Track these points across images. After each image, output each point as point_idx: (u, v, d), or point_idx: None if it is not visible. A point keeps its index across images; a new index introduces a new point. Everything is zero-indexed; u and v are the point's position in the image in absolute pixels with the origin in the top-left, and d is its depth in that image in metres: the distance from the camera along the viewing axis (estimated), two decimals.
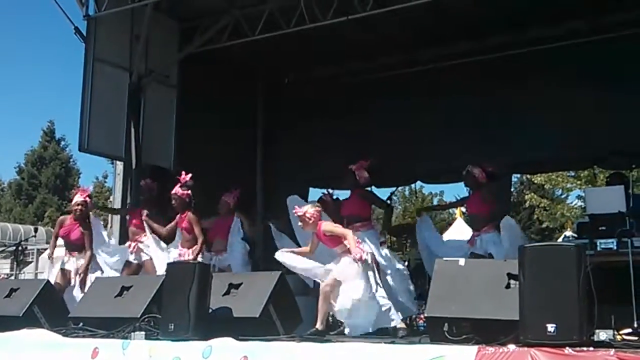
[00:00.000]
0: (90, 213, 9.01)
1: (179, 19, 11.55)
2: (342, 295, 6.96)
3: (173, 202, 8.81)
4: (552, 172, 19.45)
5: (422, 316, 8.87)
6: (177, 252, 8.69)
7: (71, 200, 9.30)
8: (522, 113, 11.08)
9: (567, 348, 4.64)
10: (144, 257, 9.07)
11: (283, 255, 7.40)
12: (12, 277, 11.98)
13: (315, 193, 13.44)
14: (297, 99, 13.25)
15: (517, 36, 11.37)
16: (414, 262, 9.67)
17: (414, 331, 8.08)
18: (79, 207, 8.96)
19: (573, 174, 21.54)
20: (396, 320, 7.24)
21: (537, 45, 11.13)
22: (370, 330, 7.07)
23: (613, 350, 4.60)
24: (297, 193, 12.88)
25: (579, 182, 21.48)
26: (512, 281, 5.48)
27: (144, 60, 11.07)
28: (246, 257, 9.06)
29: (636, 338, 5.61)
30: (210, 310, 6.35)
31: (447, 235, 14.61)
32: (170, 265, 6.86)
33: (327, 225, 7.32)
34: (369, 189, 9.47)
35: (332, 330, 7.19)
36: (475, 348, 4.86)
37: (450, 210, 31.76)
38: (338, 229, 7.32)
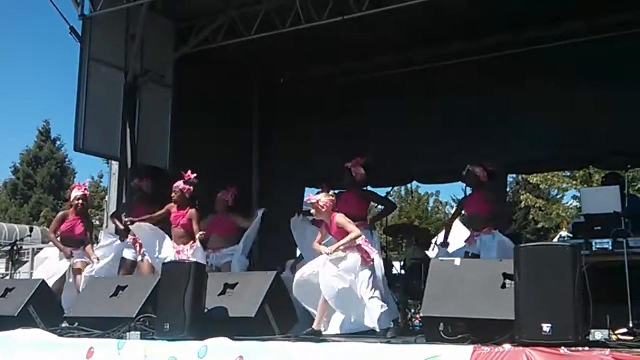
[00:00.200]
0: None
1: (174, 18, 11.54)
2: (344, 290, 6.99)
3: (173, 194, 8.78)
4: (547, 172, 19.47)
5: (417, 316, 8.88)
6: (173, 251, 8.63)
7: (68, 198, 9.29)
8: (517, 113, 11.09)
9: (563, 348, 4.64)
10: (140, 257, 9.04)
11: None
12: (7, 277, 11.93)
13: (311, 192, 13.44)
14: (292, 99, 13.24)
15: (512, 36, 11.37)
16: (410, 262, 9.68)
17: (409, 331, 8.08)
18: (79, 201, 9.02)
19: (568, 173, 21.55)
20: (389, 322, 7.25)
21: (533, 45, 11.13)
22: (372, 326, 7.08)
23: (608, 350, 4.61)
24: (292, 193, 12.99)
25: (574, 182, 21.50)
26: (507, 281, 5.49)
27: (140, 60, 11.05)
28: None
29: (631, 338, 5.61)
30: (206, 310, 6.35)
31: (443, 235, 14.62)
32: (165, 265, 6.85)
33: (341, 218, 7.32)
34: (365, 188, 9.44)
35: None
36: (470, 348, 4.86)
37: (446, 210, 32.01)
38: (350, 225, 7.30)
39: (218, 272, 8.35)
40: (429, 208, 32.23)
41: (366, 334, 7.00)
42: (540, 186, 23.91)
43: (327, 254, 7.09)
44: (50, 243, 9.73)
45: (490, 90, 11.40)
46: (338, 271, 7.02)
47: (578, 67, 10.75)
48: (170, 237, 8.73)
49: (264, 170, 13.49)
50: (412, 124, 12.05)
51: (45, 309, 7.55)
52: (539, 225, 25.84)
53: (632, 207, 7.57)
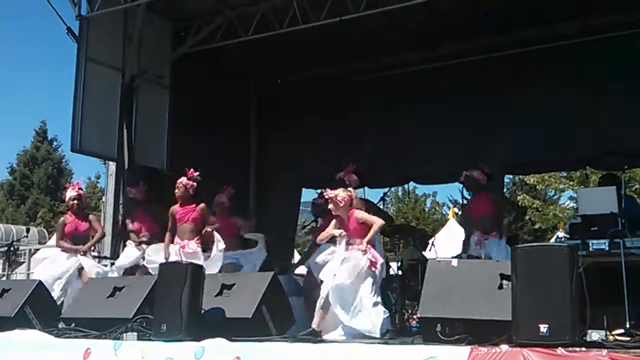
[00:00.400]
0: None
1: (171, 19, 11.55)
2: (349, 293, 7.01)
3: (176, 190, 8.73)
4: (544, 172, 19.48)
5: (415, 317, 8.87)
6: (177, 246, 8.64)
7: (64, 200, 9.29)
8: (514, 114, 11.11)
9: (560, 348, 4.64)
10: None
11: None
12: (4, 278, 11.91)
13: (307, 193, 13.50)
14: (290, 100, 13.25)
15: (508, 37, 11.39)
16: (407, 263, 9.67)
17: (407, 332, 8.08)
18: (74, 201, 9.03)
19: (565, 174, 21.57)
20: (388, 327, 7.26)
21: (529, 46, 11.15)
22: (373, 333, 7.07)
23: (605, 350, 4.61)
24: (289, 193, 13.01)
25: (571, 183, 21.51)
26: (504, 282, 5.49)
27: (137, 61, 11.05)
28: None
29: (628, 338, 5.61)
30: (203, 311, 6.34)
31: (440, 236, 14.63)
32: (162, 266, 6.84)
33: (361, 213, 7.38)
34: (361, 190, 9.44)
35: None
36: (467, 348, 4.86)
37: (443, 211, 32.01)
38: (372, 216, 7.39)
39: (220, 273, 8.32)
40: (426, 209, 32.24)
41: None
42: (537, 187, 23.93)
43: (339, 235, 7.16)
44: (47, 244, 9.74)
45: (486, 91, 11.41)
46: (348, 267, 7.06)
47: (575, 67, 10.77)
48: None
49: (261, 171, 13.49)
50: (408, 125, 12.07)
51: (42, 309, 7.54)
52: (536, 226, 25.85)
53: (629, 208, 7.57)
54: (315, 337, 6.50)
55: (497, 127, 11.29)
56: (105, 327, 6.54)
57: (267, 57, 12.15)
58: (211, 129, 11.98)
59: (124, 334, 6.29)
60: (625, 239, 6.74)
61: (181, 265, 6.66)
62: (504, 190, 15.63)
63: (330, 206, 7.50)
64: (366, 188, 13.37)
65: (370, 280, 7.15)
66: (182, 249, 8.47)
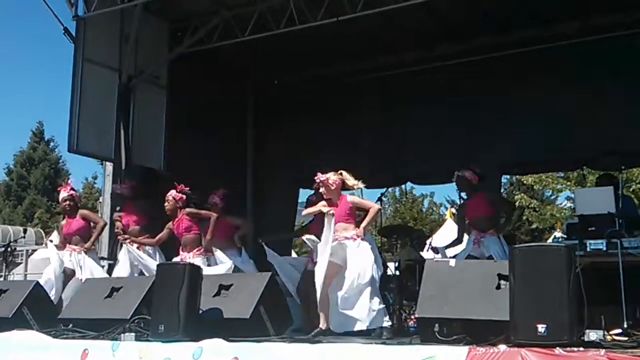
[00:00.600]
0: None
1: (168, 19, 11.53)
2: (348, 279, 7.00)
3: (166, 204, 8.76)
4: (542, 173, 19.48)
5: (412, 317, 8.88)
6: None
7: (58, 202, 9.31)
8: (512, 114, 11.12)
9: (558, 348, 4.65)
10: None
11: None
12: (1, 279, 11.90)
13: (305, 193, 13.47)
14: (287, 100, 13.25)
15: (507, 37, 11.39)
16: (404, 263, 9.67)
17: (404, 332, 8.08)
18: (66, 202, 9.08)
19: (563, 174, 21.58)
20: (385, 321, 7.25)
21: (528, 46, 11.15)
22: (365, 327, 7.06)
23: (603, 350, 4.61)
24: (287, 193, 13.00)
25: (568, 184, 21.52)
26: (502, 282, 5.49)
27: (134, 61, 11.04)
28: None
29: (626, 338, 5.62)
30: (201, 311, 6.34)
31: (437, 236, 14.64)
32: (160, 266, 6.84)
33: (355, 197, 7.43)
34: (359, 190, 9.41)
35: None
36: (466, 348, 4.86)
37: (441, 211, 32.00)
38: (367, 201, 7.46)
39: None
40: (424, 209, 32.23)
41: (362, 334, 7.02)
42: (534, 187, 23.93)
43: (327, 212, 7.14)
44: (44, 244, 9.75)
45: (484, 91, 11.41)
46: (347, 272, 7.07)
47: (574, 68, 10.78)
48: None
49: (258, 171, 13.49)
50: (406, 125, 12.08)
51: (39, 310, 7.54)
52: (533, 226, 25.85)
53: (626, 208, 7.57)
54: (326, 336, 6.53)
55: (495, 127, 11.30)
56: (103, 328, 6.55)
57: (264, 57, 12.14)
58: (208, 129, 11.97)
59: (122, 335, 6.29)
60: (623, 239, 6.74)
61: (179, 265, 6.65)
62: (501, 190, 15.63)
63: (322, 190, 7.51)
64: (363, 188, 13.40)
65: (368, 262, 7.14)
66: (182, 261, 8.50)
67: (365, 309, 7.03)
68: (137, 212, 9.25)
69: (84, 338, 6.55)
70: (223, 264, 8.39)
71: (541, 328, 4.86)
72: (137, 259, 8.77)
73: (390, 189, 25.04)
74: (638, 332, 5.86)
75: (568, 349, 4.66)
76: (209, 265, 8.43)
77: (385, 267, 9.83)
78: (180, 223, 8.66)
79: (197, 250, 8.52)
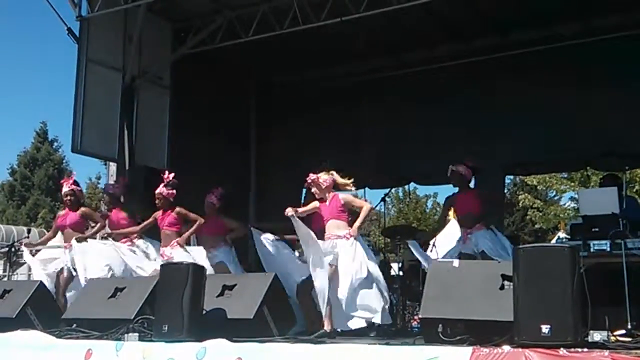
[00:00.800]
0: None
1: (172, 20, 11.55)
2: (345, 278, 7.04)
3: (157, 201, 8.78)
4: (545, 173, 19.47)
5: (416, 317, 8.87)
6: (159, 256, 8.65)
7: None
8: (515, 114, 11.12)
9: (562, 349, 4.64)
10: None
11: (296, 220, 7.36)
12: (5, 279, 11.90)
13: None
14: (290, 99, 13.28)
15: (509, 38, 11.41)
16: (408, 264, 9.67)
17: (408, 332, 8.08)
18: (68, 197, 9.15)
19: (566, 175, 21.56)
20: (386, 318, 7.30)
21: (531, 47, 11.16)
22: (365, 324, 7.13)
23: (607, 351, 4.61)
24: (290, 192, 13.00)
25: (572, 184, 21.50)
26: (506, 282, 5.49)
27: (137, 61, 11.06)
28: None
29: (630, 339, 5.61)
30: (204, 312, 6.34)
31: (441, 237, 14.61)
32: (164, 267, 6.84)
33: (347, 195, 7.46)
34: (361, 191, 9.44)
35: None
36: (469, 349, 4.85)
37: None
38: (358, 200, 7.53)
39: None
40: (427, 209, 32.20)
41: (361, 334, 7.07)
42: (538, 188, 23.91)
43: (288, 214, 7.17)
44: (49, 244, 9.78)
45: (487, 91, 11.44)
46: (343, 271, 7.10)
47: (575, 68, 10.79)
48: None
49: (261, 170, 13.51)
50: (408, 126, 12.09)
51: (43, 310, 7.54)
52: (537, 227, 25.84)
53: (630, 209, 7.56)
54: (332, 337, 6.54)
55: (497, 128, 11.30)
56: (106, 328, 6.54)
57: (267, 57, 12.16)
58: (211, 129, 12.01)
59: (126, 335, 6.29)
60: (627, 239, 6.72)
61: (182, 265, 6.65)
62: (505, 190, 15.62)
63: (313, 189, 7.56)
64: (367, 189, 13.42)
65: (364, 259, 7.21)
66: (162, 257, 8.53)
67: (364, 306, 7.10)
68: (124, 215, 9.26)
69: (88, 338, 6.55)
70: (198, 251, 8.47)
71: (545, 329, 4.86)
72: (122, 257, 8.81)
73: (393, 190, 25.13)
74: None
75: (572, 349, 4.65)
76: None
77: (389, 267, 9.86)
78: (166, 217, 8.70)
79: (174, 243, 8.53)
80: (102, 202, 9.98)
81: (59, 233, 9.43)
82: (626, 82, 10.32)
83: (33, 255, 9.35)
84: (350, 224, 7.41)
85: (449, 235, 8.76)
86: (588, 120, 10.63)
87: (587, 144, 10.77)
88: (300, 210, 7.78)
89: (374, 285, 7.26)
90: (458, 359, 4.83)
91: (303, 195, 13.21)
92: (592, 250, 6.89)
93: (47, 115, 58.61)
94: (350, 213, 7.52)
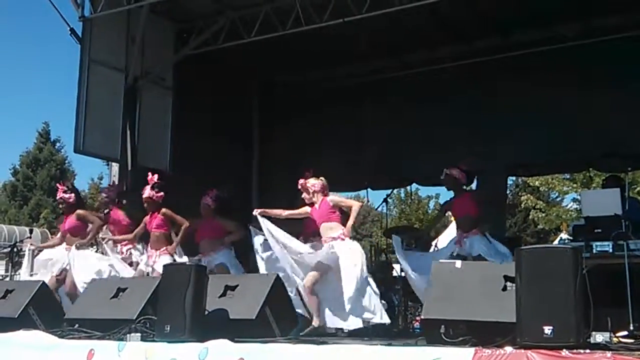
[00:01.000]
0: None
1: (174, 20, 11.56)
2: (348, 280, 7.11)
3: (145, 205, 8.83)
4: (548, 174, 19.47)
5: (417, 318, 8.87)
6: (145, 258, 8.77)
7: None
8: (517, 115, 11.13)
9: (564, 350, 4.63)
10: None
11: (266, 222, 7.55)
12: (7, 279, 11.92)
13: None
14: (292, 99, 13.30)
15: (511, 39, 11.41)
16: None
17: (410, 333, 8.08)
18: (60, 205, 9.44)
19: (569, 176, 21.56)
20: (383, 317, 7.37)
21: (533, 48, 11.17)
22: (361, 325, 7.21)
23: (610, 352, 4.60)
24: (292, 193, 12.99)
25: (574, 185, 21.50)
26: (508, 283, 5.48)
27: (140, 62, 11.08)
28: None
29: (632, 340, 5.60)
30: (207, 312, 6.33)
31: (443, 238, 14.60)
32: (166, 267, 6.84)
33: (335, 197, 7.61)
34: (363, 191, 9.46)
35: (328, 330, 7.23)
36: (472, 350, 4.85)
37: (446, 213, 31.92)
38: (347, 200, 7.70)
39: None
40: (429, 210, 32.19)
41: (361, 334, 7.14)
42: (541, 189, 23.92)
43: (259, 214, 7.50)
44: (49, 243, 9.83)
45: (489, 92, 11.45)
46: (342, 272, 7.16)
47: (578, 69, 10.80)
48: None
49: (263, 171, 13.52)
50: (410, 126, 12.10)
51: (45, 310, 7.55)
52: (539, 228, 25.84)
53: (632, 210, 7.55)
54: (321, 334, 6.58)
55: (499, 129, 11.31)
56: (108, 328, 6.54)
57: (269, 57, 12.17)
58: (214, 129, 12.02)
59: (128, 335, 6.28)
60: (629, 241, 6.73)
61: (185, 266, 6.65)
62: (507, 191, 15.62)
63: (303, 194, 7.66)
64: (369, 190, 13.43)
65: (358, 258, 7.29)
66: (149, 258, 8.66)
67: (367, 307, 7.17)
68: (123, 215, 9.30)
69: (90, 338, 6.54)
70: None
71: (547, 330, 4.85)
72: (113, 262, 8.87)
73: (395, 191, 25.11)
74: None
75: (574, 350, 4.64)
76: None
77: (391, 268, 9.87)
78: (154, 219, 8.77)
79: (164, 250, 8.61)
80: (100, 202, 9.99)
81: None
82: (628, 82, 10.32)
83: (35, 256, 9.38)
84: (343, 224, 7.46)
85: (451, 236, 8.77)
86: (590, 121, 10.64)
87: (588, 145, 10.78)
88: (285, 213, 7.85)
89: (369, 285, 7.31)
90: None
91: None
92: (594, 251, 6.89)
93: (49, 116, 58.72)
94: (341, 213, 7.54)
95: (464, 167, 8.32)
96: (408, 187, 24.25)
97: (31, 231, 14.72)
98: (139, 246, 9.08)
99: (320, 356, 5.39)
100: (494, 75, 11.52)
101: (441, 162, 11.38)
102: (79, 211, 9.23)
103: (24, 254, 9.99)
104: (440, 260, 6.94)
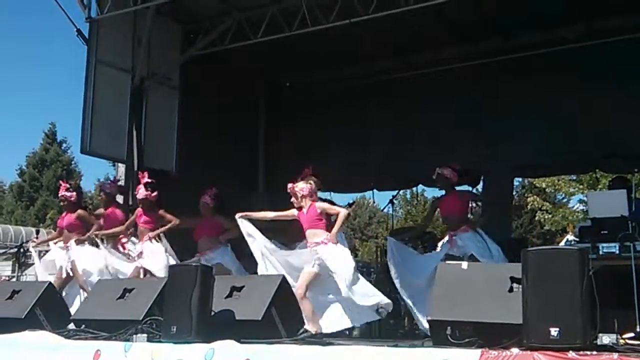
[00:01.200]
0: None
1: (181, 21, 11.58)
2: (339, 277, 7.21)
3: (141, 205, 8.91)
4: (554, 175, 19.45)
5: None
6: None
7: None
8: (522, 116, 11.13)
9: (570, 352, 4.63)
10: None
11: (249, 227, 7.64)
12: (14, 279, 11.96)
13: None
14: (298, 100, 13.31)
15: (518, 40, 11.40)
16: None
17: (416, 335, 8.08)
18: (61, 202, 9.50)
19: (575, 178, 21.54)
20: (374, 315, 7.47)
21: (539, 49, 11.16)
22: (351, 325, 7.42)
23: (616, 354, 4.60)
24: None
25: (580, 187, 21.47)
26: (515, 285, 5.47)
27: (146, 63, 11.09)
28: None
29: (639, 342, 5.59)
30: (213, 313, 6.34)
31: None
32: (172, 268, 6.85)
33: (323, 203, 7.62)
34: (369, 192, 9.47)
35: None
36: (478, 351, 4.84)
37: None
38: (334, 207, 7.67)
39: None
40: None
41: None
42: (547, 190, 23.89)
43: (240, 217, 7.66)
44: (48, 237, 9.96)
45: (495, 94, 11.44)
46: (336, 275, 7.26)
47: (580, 71, 10.79)
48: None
49: (269, 172, 13.52)
50: (416, 127, 12.10)
51: (52, 311, 7.56)
52: (545, 229, 25.80)
53: (639, 212, 7.54)
54: (318, 339, 6.59)
55: (504, 130, 11.30)
56: (115, 329, 6.54)
57: (276, 58, 12.18)
58: (220, 129, 12.04)
59: (134, 336, 6.29)
60: (636, 242, 6.72)
61: (191, 266, 6.65)
62: (513, 192, 15.60)
63: (293, 199, 7.67)
64: (374, 191, 13.43)
65: (349, 259, 7.37)
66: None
67: (368, 292, 7.24)
68: (121, 214, 9.35)
69: (96, 339, 6.55)
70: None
71: (554, 331, 4.84)
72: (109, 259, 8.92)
73: (401, 192, 25.13)
74: None
75: (581, 352, 4.63)
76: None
77: None
78: (144, 215, 8.90)
79: (147, 236, 8.77)
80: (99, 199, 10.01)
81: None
82: (630, 84, 10.31)
83: (40, 257, 9.43)
84: (329, 230, 7.49)
85: None
86: (596, 121, 10.63)
87: (591, 146, 10.77)
88: (271, 215, 7.87)
89: (358, 286, 7.36)
90: None
91: None
92: (601, 252, 6.88)
93: (56, 117, 59.03)
94: (328, 220, 7.56)
95: (456, 167, 8.34)
96: (414, 188, 24.28)
97: (38, 232, 14.78)
98: (133, 238, 9.17)
99: (326, 357, 5.40)
100: (498, 77, 11.52)
101: (448, 163, 11.48)
102: (80, 211, 9.28)
103: (30, 255, 10.03)
104: (447, 262, 6.93)
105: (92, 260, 8.82)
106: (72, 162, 40.81)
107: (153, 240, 8.75)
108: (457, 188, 8.46)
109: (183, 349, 5.84)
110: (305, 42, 10.96)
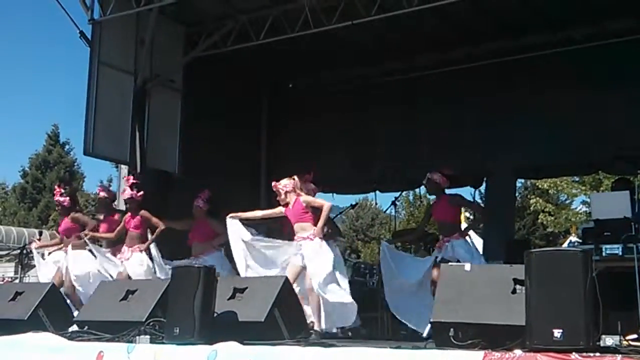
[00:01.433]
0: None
1: (184, 23, 11.57)
2: (314, 277, 7.29)
3: (128, 205, 8.97)
4: (557, 177, 19.44)
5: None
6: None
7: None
8: (526, 117, 11.10)
9: (574, 353, 4.63)
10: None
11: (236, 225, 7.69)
12: (17, 281, 11.97)
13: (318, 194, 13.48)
14: (301, 101, 13.31)
15: (521, 41, 11.39)
16: None
17: (419, 336, 8.07)
18: (57, 208, 9.76)
19: (578, 179, 21.52)
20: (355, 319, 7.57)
21: (542, 50, 11.15)
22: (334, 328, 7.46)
23: (619, 355, 4.60)
24: None
25: (583, 188, 21.46)
26: (518, 286, 5.47)
27: (149, 64, 11.08)
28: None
29: None
30: (216, 315, 6.34)
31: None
32: (175, 269, 6.85)
33: (307, 197, 7.71)
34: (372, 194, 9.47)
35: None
36: (481, 353, 4.85)
37: None
38: (318, 200, 7.79)
39: None
40: None
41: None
42: (550, 191, 23.87)
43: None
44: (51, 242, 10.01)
45: (496, 95, 11.42)
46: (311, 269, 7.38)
47: (587, 71, 10.76)
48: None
49: (271, 173, 13.49)
50: (418, 129, 12.11)
51: (55, 312, 7.58)
52: (548, 230, 25.78)
53: None
54: (320, 338, 6.63)
55: (508, 131, 11.28)
56: (118, 330, 6.55)
57: (278, 59, 12.17)
58: (223, 130, 12.03)
59: (137, 337, 6.30)
60: (639, 244, 6.70)
61: (194, 268, 6.66)
62: (516, 194, 15.61)
63: (278, 197, 7.80)
64: (377, 192, 13.42)
65: (329, 253, 7.47)
66: (122, 254, 8.93)
67: (331, 308, 7.31)
68: (119, 215, 9.40)
69: (99, 340, 6.56)
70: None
71: (557, 333, 4.84)
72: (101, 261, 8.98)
73: (404, 193, 25.09)
74: None
75: (584, 354, 4.64)
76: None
77: None
78: (132, 219, 8.99)
79: (136, 247, 8.86)
80: (114, 204, 10.00)
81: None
82: (636, 85, 10.28)
83: (43, 258, 9.46)
84: (316, 223, 7.55)
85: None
86: (595, 123, 10.61)
87: (594, 147, 10.74)
88: (260, 213, 7.90)
89: (339, 286, 7.45)
90: None
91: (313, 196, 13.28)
92: (604, 254, 6.88)
93: (58, 118, 59.01)
94: (314, 213, 7.63)
95: (446, 172, 8.36)
96: (416, 190, 24.22)
97: (40, 233, 14.77)
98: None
99: (328, 359, 5.40)
100: (502, 78, 11.50)
101: (450, 165, 11.46)
102: (73, 214, 9.34)
103: (32, 256, 10.05)
104: (450, 264, 6.93)
105: (85, 265, 8.92)
106: (75, 164, 40.83)
107: (143, 252, 8.84)
108: (447, 192, 8.47)
109: (186, 351, 5.85)
110: (308, 43, 10.96)
